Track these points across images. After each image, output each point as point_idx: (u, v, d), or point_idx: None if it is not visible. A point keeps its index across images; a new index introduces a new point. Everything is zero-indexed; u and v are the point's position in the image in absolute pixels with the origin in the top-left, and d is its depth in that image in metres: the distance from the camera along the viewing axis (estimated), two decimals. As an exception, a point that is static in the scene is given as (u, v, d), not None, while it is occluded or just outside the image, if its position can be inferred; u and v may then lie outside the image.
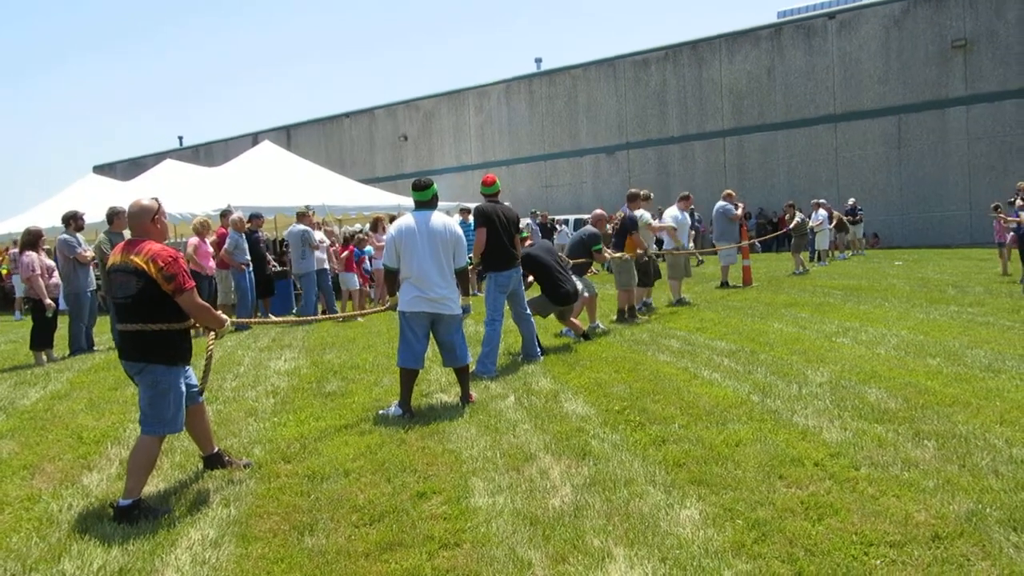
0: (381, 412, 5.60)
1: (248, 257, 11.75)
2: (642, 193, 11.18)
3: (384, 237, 5.89)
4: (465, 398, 5.89)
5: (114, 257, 4.07)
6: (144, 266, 3.91)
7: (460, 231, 5.94)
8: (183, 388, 4.09)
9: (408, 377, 5.68)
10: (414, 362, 5.70)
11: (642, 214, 10.83)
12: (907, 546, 3.12)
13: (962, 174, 25.08)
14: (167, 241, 4.43)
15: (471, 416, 5.47)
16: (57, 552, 3.49)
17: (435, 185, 5.98)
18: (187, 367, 4.22)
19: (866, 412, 5.02)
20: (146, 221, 4.09)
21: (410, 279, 5.68)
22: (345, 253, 13.28)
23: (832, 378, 6.05)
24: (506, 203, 7.76)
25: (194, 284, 4.04)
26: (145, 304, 3.93)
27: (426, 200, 5.88)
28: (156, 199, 4.22)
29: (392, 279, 5.93)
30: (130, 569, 3.28)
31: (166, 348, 3.99)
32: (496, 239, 7.06)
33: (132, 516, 3.78)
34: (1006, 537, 3.14)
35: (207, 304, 4.13)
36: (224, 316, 4.29)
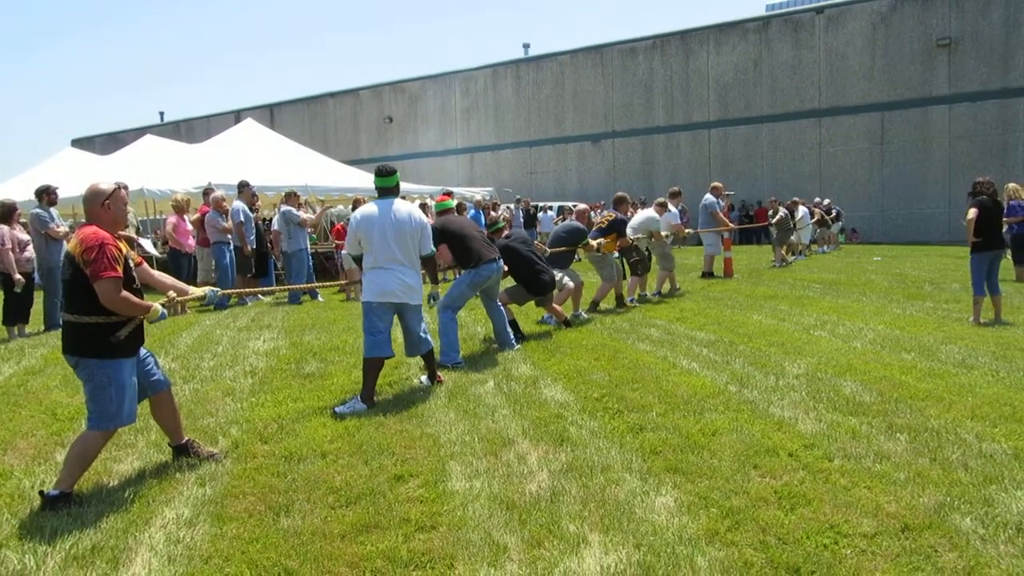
0: (338, 410, 5.21)
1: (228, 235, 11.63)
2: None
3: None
4: (433, 378, 5.96)
5: None
6: (72, 251, 3.71)
7: (424, 218, 5.81)
8: (129, 380, 3.86)
9: (376, 367, 5.52)
10: (385, 350, 5.54)
11: (651, 216, 11.10)
12: (877, 536, 3.17)
13: (943, 172, 25.36)
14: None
15: (450, 400, 5.47)
16: (29, 529, 3.46)
17: (398, 173, 5.75)
18: (139, 357, 4.00)
19: (841, 404, 5.08)
20: (95, 206, 3.82)
21: (376, 268, 5.52)
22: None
23: (808, 370, 6.11)
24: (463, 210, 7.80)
25: (118, 274, 3.65)
26: (72, 293, 3.73)
27: (390, 187, 5.70)
28: (117, 184, 3.98)
29: (360, 263, 5.76)
30: (103, 547, 3.26)
31: (97, 341, 3.73)
32: (459, 242, 6.91)
33: (57, 508, 3.61)
34: (974, 529, 3.20)
35: (126, 296, 3.71)
36: (150, 303, 3.83)
